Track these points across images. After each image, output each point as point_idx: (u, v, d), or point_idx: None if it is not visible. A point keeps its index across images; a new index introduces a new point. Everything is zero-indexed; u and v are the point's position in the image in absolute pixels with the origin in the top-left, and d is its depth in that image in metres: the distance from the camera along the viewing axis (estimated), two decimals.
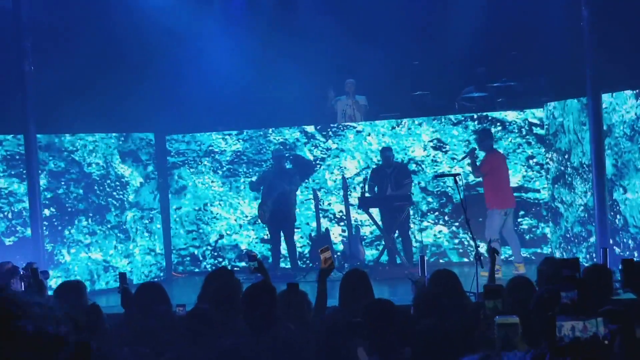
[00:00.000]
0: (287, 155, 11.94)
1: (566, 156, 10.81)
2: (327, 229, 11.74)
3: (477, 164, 10.71)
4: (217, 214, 12.45)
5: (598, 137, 9.70)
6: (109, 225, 11.55)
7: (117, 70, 11.56)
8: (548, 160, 11.28)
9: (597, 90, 9.74)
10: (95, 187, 11.45)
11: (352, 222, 11.56)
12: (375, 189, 11.38)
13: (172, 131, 12.42)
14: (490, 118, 11.61)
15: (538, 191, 11.46)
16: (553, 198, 11.20)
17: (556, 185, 11.09)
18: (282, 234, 11.62)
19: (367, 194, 11.27)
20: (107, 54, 11.51)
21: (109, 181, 11.56)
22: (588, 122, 9.91)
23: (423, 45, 12.52)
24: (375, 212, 11.36)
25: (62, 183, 11.18)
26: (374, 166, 11.68)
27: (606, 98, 9.83)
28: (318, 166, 12.11)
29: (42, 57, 10.67)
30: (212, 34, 12.41)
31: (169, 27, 12.05)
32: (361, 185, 11.47)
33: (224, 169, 12.39)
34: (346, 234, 11.63)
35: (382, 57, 12.21)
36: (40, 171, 10.77)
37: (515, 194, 11.02)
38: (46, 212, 10.92)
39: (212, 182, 12.42)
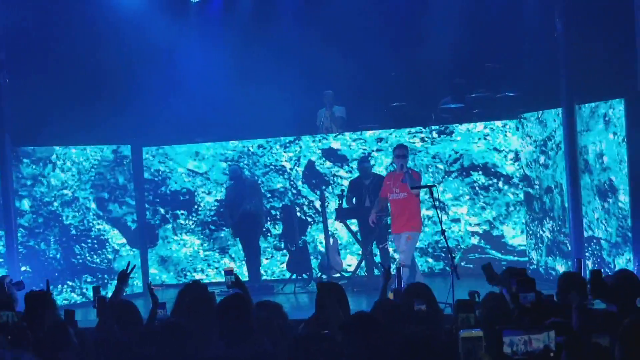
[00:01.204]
0: (243, 170, 11.86)
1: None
2: (304, 241, 11.75)
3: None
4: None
5: (572, 148, 9.77)
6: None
7: (94, 82, 11.53)
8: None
9: (572, 101, 9.83)
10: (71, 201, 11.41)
11: (330, 233, 11.57)
12: (354, 200, 11.41)
13: (150, 143, 12.38)
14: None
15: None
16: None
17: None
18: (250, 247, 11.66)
19: (344, 205, 11.31)
20: (84, 66, 11.47)
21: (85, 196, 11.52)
22: (562, 133, 9.99)
23: (400, 56, 12.58)
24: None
25: (39, 193, 11.12)
26: (352, 178, 11.71)
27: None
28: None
29: (17, 68, 10.64)
30: (189, 45, 12.41)
31: (146, 38, 12.05)
32: (343, 196, 11.48)
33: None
34: (324, 244, 11.64)
35: (360, 68, 12.26)
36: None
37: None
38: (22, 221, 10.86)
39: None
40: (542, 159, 10.77)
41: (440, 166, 11.85)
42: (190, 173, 12.35)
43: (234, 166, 11.75)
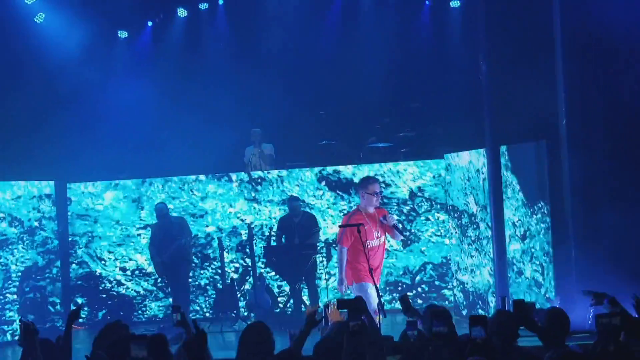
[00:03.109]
0: (169, 208, 11.70)
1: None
2: (232, 279, 11.64)
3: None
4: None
5: (497, 188, 9.94)
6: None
7: (18, 116, 11.33)
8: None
9: (496, 142, 10.01)
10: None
11: (257, 271, 11.49)
12: (283, 238, 11.38)
13: (74, 179, 12.15)
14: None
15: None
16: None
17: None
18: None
19: (273, 243, 11.27)
20: (6, 100, 11.27)
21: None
22: (487, 172, 10.15)
23: (330, 95, 12.72)
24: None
25: None
26: (281, 215, 11.68)
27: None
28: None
29: None
30: (116, 80, 12.31)
31: (74, 73, 11.91)
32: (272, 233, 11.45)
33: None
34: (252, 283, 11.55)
35: (289, 106, 12.32)
36: None
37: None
38: None
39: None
40: (470, 198, 10.93)
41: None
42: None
43: (160, 204, 11.58)
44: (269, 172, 12.02)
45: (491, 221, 9.94)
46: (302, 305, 11.21)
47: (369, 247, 8.25)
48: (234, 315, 11.34)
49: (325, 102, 12.78)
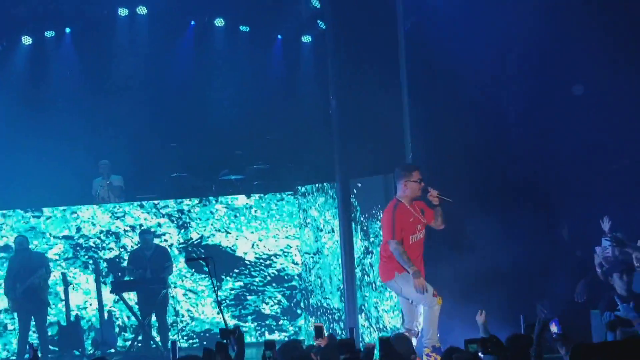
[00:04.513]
0: (28, 241, 11.24)
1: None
2: (77, 316, 11.22)
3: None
4: None
5: (347, 220, 10.08)
6: None
7: None
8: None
9: (346, 176, 10.16)
10: None
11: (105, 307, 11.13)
12: (134, 272, 11.12)
13: None
14: None
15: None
16: None
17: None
18: (33, 321, 11.01)
19: (127, 277, 11.03)
20: None
21: None
22: (338, 206, 10.28)
23: (181, 127, 12.58)
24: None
25: None
26: (133, 248, 11.42)
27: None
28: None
29: None
30: None
31: None
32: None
33: None
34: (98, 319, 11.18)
35: (137, 138, 12.12)
36: None
37: None
38: None
39: None
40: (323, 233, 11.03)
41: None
42: None
43: (20, 237, 11.12)
44: (118, 205, 11.72)
45: (341, 253, 10.05)
46: (152, 342, 10.95)
47: (413, 241, 7.86)
48: (78, 353, 10.95)
49: (177, 133, 12.64)
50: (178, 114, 12.53)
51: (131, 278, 11.14)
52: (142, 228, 11.47)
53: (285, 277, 11.67)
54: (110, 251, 11.65)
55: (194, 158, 12.53)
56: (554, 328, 5.37)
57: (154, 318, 11.08)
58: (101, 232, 11.62)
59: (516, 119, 9.85)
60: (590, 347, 4.23)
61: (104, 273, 11.33)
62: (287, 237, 11.67)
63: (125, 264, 11.36)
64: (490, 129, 9.50)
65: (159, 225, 11.61)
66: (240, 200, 11.65)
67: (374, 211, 10.13)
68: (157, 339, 11.04)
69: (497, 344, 4.92)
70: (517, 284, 9.62)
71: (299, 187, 11.52)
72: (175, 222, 11.63)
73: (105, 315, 11.08)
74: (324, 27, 10.78)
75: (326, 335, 6.78)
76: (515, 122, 9.87)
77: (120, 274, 11.40)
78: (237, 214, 11.65)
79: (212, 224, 11.63)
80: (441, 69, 9.41)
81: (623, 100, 9.51)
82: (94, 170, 12.06)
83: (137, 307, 11.12)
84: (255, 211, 11.63)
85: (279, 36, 12.55)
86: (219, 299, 8.26)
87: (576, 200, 9.81)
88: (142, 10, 12.35)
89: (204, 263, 8.90)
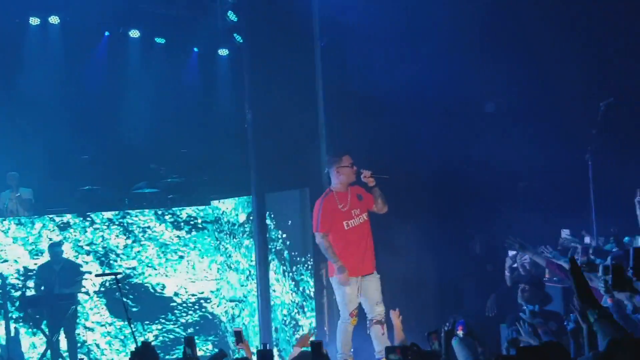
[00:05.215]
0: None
1: None
2: None
3: None
4: None
5: (262, 237, 10.07)
6: None
7: None
8: None
9: (262, 189, 10.15)
10: None
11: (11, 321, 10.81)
12: (42, 287, 10.82)
13: None
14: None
15: None
16: None
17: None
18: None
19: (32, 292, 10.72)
20: None
21: None
22: (254, 218, 10.25)
23: (93, 140, 12.34)
24: None
25: None
26: (42, 263, 11.12)
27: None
28: None
29: None
30: None
31: None
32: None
33: None
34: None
35: (49, 149, 11.85)
36: None
37: None
38: None
39: None
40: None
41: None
42: None
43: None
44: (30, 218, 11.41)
45: (256, 266, 10.02)
46: (60, 359, 10.67)
47: (348, 227, 7.72)
48: None
49: (90, 146, 12.39)
50: (91, 125, 12.28)
51: (38, 293, 10.83)
52: (52, 241, 11.18)
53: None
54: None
55: (107, 171, 12.29)
56: (460, 332, 5.41)
57: (62, 334, 10.79)
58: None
59: (430, 137, 10.02)
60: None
61: (8, 288, 10.98)
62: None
63: (34, 278, 11.04)
64: (406, 145, 9.62)
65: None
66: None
67: (289, 224, 10.13)
68: (65, 355, 10.76)
69: (418, 353, 4.89)
70: (437, 295, 9.79)
71: (212, 200, 11.44)
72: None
73: (12, 331, 10.74)
74: (241, 41, 10.75)
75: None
76: (430, 140, 10.03)
77: (26, 289, 11.06)
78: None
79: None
80: (356, 85, 9.51)
81: (530, 118, 9.78)
82: (2, 182, 11.73)
83: (45, 322, 10.82)
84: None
85: (195, 49, 12.45)
86: (129, 315, 8.14)
87: (487, 215, 10.02)
88: (54, 19, 12.09)
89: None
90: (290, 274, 10.01)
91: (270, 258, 10.20)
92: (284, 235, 10.15)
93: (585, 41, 9.67)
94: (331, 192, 7.88)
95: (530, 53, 9.99)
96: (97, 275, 11.07)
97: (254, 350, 6.58)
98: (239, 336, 6.75)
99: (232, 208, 11.01)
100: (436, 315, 9.43)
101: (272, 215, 10.29)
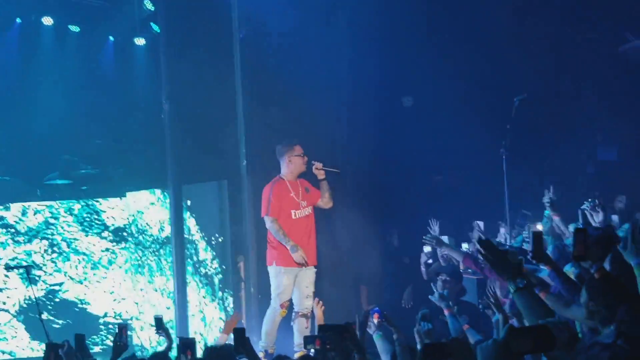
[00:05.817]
0: None
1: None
2: None
3: None
4: None
5: (179, 229, 9.95)
6: None
7: None
8: None
9: (178, 181, 10.02)
10: None
11: None
12: None
13: None
14: None
15: None
16: None
17: None
18: None
19: None
20: None
21: None
22: (170, 212, 10.11)
23: (5, 129, 11.94)
24: None
25: None
26: None
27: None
28: None
29: None
30: None
31: None
32: None
33: None
34: None
35: None
36: None
37: None
38: None
39: None
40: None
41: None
42: None
43: None
44: None
45: (173, 258, 9.91)
46: None
47: (295, 217, 7.68)
48: None
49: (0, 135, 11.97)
50: (0, 114, 11.87)
51: None
52: None
53: None
54: None
55: (18, 161, 11.88)
56: (375, 319, 5.42)
57: None
58: None
59: (350, 131, 10.07)
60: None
61: None
62: None
63: None
64: (325, 139, 9.63)
65: None
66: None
67: (208, 217, 10.04)
68: None
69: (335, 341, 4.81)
70: (357, 287, 9.87)
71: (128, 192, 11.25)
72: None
73: None
74: (158, 31, 10.57)
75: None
76: (349, 134, 10.08)
77: None
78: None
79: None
80: (276, 76, 9.48)
81: (445, 112, 9.93)
82: None
83: None
84: None
85: (111, 37, 12.16)
86: (39, 308, 7.95)
87: (404, 208, 10.13)
88: None
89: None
90: (206, 269, 9.94)
91: (187, 253, 10.08)
92: (201, 228, 10.06)
93: (500, 37, 9.87)
94: (281, 179, 7.84)
95: (446, 48, 10.13)
96: (6, 268, 10.75)
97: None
98: (159, 323, 6.55)
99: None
100: (357, 306, 9.52)
101: (190, 206, 10.17)
